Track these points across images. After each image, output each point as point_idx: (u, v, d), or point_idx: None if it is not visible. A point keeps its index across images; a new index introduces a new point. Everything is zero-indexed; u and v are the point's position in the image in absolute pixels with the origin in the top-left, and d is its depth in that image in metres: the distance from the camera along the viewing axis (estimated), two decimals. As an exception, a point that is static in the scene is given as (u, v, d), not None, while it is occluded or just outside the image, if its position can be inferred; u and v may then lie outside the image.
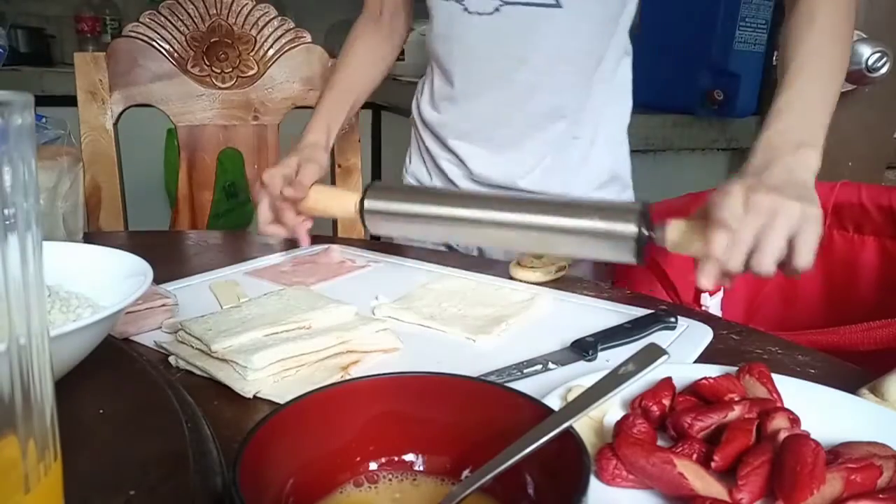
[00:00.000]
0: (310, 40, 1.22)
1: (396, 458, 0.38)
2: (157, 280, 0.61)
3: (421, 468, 0.38)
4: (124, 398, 0.44)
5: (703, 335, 0.66)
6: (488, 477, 0.33)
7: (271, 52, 1.21)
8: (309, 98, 1.21)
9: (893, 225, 0.86)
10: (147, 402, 0.43)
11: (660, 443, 0.43)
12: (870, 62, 1.36)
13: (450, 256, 0.94)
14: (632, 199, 1.02)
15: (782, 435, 0.41)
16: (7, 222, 0.20)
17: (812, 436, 0.41)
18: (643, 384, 0.46)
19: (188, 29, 1.18)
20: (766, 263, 0.59)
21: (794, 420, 0.44)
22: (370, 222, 0.79)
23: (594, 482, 0.40)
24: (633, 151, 1.04)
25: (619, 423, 0.43)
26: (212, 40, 1.19)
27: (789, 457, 0.39)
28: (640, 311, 0.69)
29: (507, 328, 0.66)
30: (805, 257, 0.59)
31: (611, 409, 0.47)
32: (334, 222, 1.25)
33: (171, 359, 0.56)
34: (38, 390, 0.22)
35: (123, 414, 0.42)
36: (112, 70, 1.14)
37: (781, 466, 0.39)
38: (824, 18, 0.73)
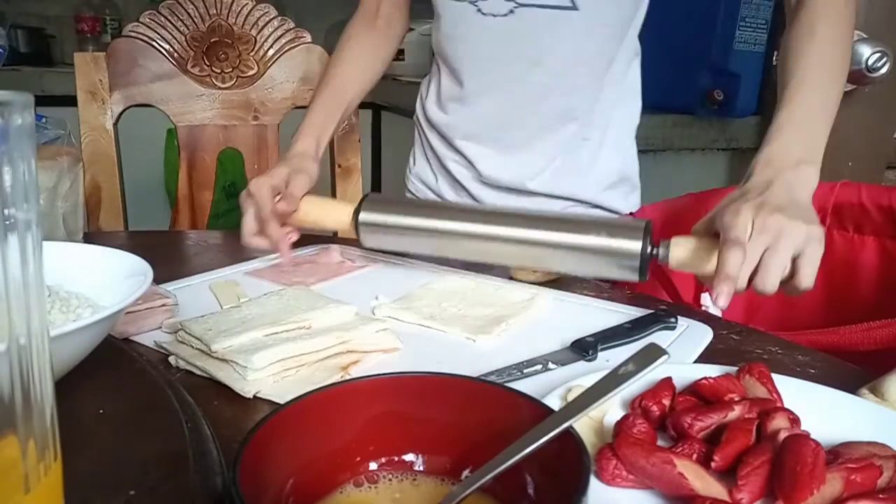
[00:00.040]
0: (310, 40, 1.22)
1: (396, 458, 0.38)
2: (157, 280, 0.61)
3: (421, 468, 0.38)
4: (124, 398, 0.44)
5: (703, 335, 0.66)
6: (488, 477, 0.33)
7: (271, 52, 1.21)
8: (309, 98, 1.21)
9: (893, 225, 0.86)
10: (147, 402, 0.43)
11: (660, 443, 0.43)
12: (870, 62, 1.36)
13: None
14: (639, 201, 1.02)
15: (782, 435, 0.41)
16: (7, 222, 0.20)
17: (812, 436, 0.41)
18: (643, 384, 0.46)
19: (188, 29, 1.18)
20: (771, 282, 0.60)
21: (794, 420, 0.44)
22: (365, 235, 0.77)
23: (594, 482, 0.40)
24: (633, 151, 1.04)
25: (619, 423, 0.43)
26: (212, 40, 1.19)
27: (789, 457, 0.39)
28: (640, 311, 0.69)
29: (507, 328, 0.66)
30: (807, 277, 0.60)
31: (611, 409, 0.47)
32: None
33: (171, 359, 0.56)
34: (38, 390, 0.22)
35: (123, 414, 0.42)
36: (112, 70, 1.14)
37: (781, 466, 0.39)
38: (825, 31, 0.74)
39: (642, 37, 0.95)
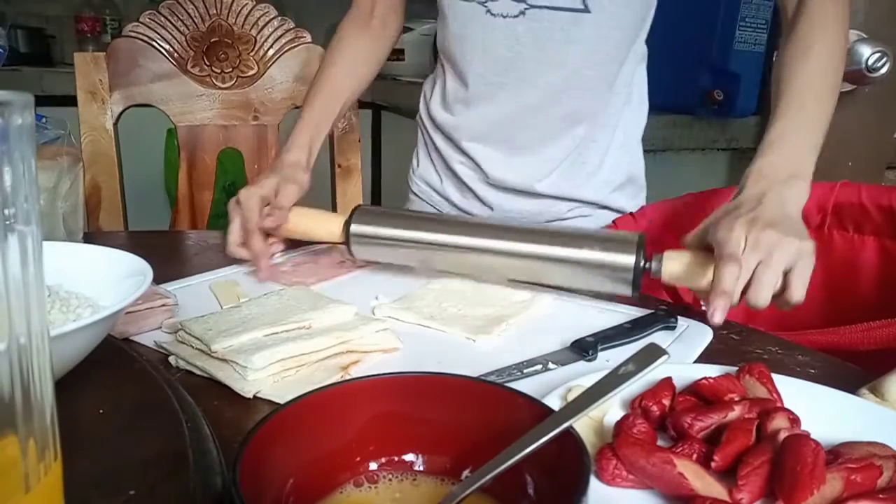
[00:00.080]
0: (310, 40, 1.22)
1: (396, 458, 0.38)
2: (157, 280, 0.61)
3: (421, 468, 0.38)
4: (124, 398, 0.44)
5: (703, 335, 0.66)
6: (488, 477, 0.33)
7: (271, 52, 1.21)
8: (309, 98, 1.21)
9: (893, 225, 0.86)
10: (147, 402, 0.43)
11: (660, 443, 0.43)
12: (870, 62, 1.36)
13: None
14: (645, 201, 1.02)
15: (782, 435, 0.41)
16: (7, 222, 0.20)
17: (812, 436, 0.41)
18: (643, 384, 0.46)
19: (188, 29, 1.18)
20: (763, 296, 0.61)
21: (794, 420, 0.44)
22: (356, 247, 0.77)
23: (594, 482, 0.40)
24: (633, 151, 1.04)
25: (619, 423, 0.43)
26: (212, 40, 1.19)
27: (789, 457, 0.39)
28: (640, 311, 0.69)
29: (507, 328, 0.66)
30: (798, 291, 0.62)
31: (611, 409, 0.47)
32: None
33: (171, 359, 0.56)
34: (38, 390, 0.22)
35: (123, 414, 0.42)
36: (112, 70, 1.14)
37: (781, 466, 0.39)
38: (821, 47, 0.76)
39: (643, 37, 0.95)
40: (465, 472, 0.37)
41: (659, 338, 0.65)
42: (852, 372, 0.60)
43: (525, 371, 0.56)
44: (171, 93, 1.18)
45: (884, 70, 1.37)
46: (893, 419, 0.46)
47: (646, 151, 1.03)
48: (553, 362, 0.58)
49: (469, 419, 0.37)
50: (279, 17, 1.21)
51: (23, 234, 0.21)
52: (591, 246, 0.68)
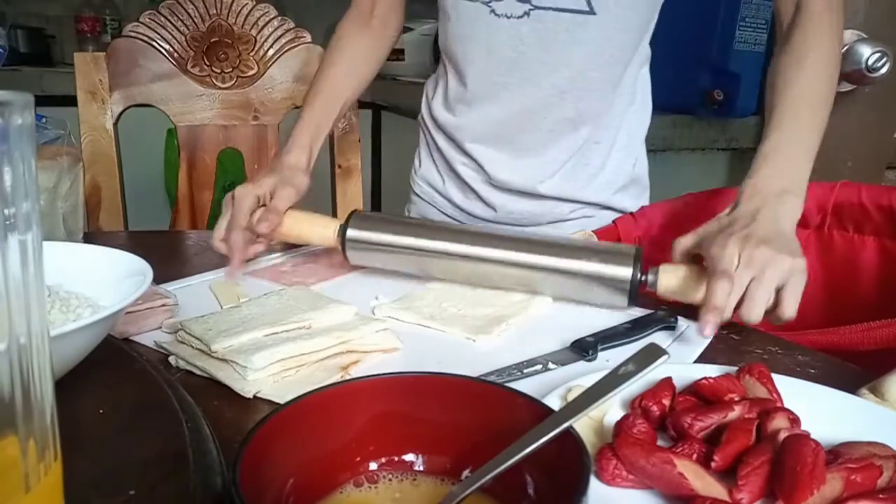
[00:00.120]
0: (310, 40, 1.22)
1: (396, 458, 0.38)
2: (157, 280, 0.61)
3: (421, 468, 0.38)
4: (124, 398, 0.44)
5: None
6: (488, 477, 0.33)
7: (271, 52, 1.21)
8: (309, 98, 1.21)
9: (893, 225, 0.86)
10: (147, 402, 0.43)
11: (660, 443, 0.43)
12: (870, 62, 1.36)
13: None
14: (648, 202, 1.02)
15: (782, 435, 0.41)
16: (7, 222, 0.20)
17: (812, 436, 0.41)
18: (643, 384, 0.46)
19: (188, 29, 1.18)
20: (756, 312, 0.62)
21: (794, 420, 0.44)
22: (351, 252, 0.76)
23: (594, 482, 0.40)
24: (633, 151, 1.03)
25: (619, 423, 0.43)
26: (212, 40, 1.19)
27: (789, 457, 0.39)
28: (640, 311, 0.69)
29: (507, 328, 0.66)
30: (790, 307, 0.63)
31: (611, 409, 0.47)
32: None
33: (171, 359, 0.56)
34: (38, 390, 0.22)
35: (123, 414, 0.42)
36: (112, 70, 1.14)
37: (781, 466, 0.39)
38: (814, 60, 0.77)
39: (643, 37, 0.95)
40: (465, 472, 0.37)
41: (659, 338, 0.65)
42: (852, 372, 0.60)
43: (525, 371, 0.56)
44: (171, 93, 1.18)
45: (884, 70, 1.37)
46: (893, 419, 0.47)
47: (646, 151, 1.03)
48: (553, 362, 0.58)
49: (469, 419, 0.37)
50: (279, 17, 1.21)
51: (23, 234, 0.21)
52: (589, 257, 0.69)
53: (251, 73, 1.21)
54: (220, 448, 0.40)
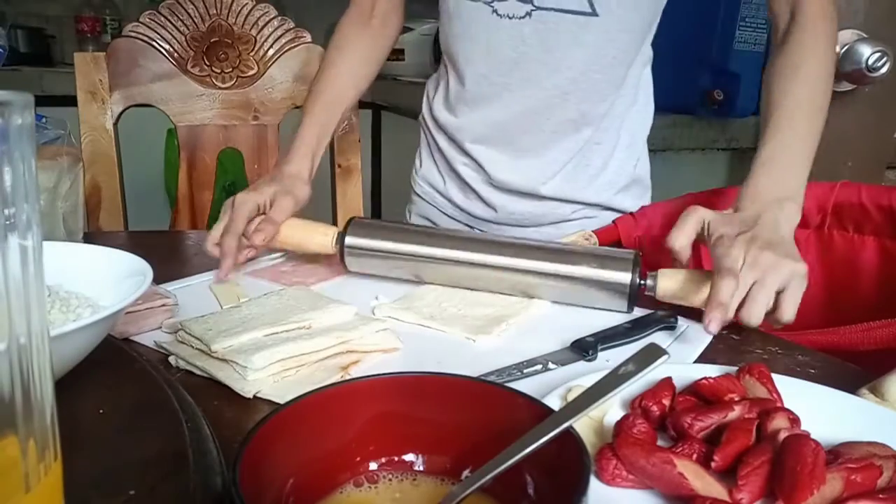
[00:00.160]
0: (310, 40, 1.22)
1: (396, 458, 0.38)
2: (157, 280, 0.61)
3: (421, 468, 0.38)
4: (124, 398, 0.44)
5: (703, 335, 0.66)
6: (488, 477, 0.33)
7: (271, 52, 1.21)
8: (309, 98, 1.21)
9: (893, 225, 0.86)
10: (147, 402, 0.43)
11: (660, 443, 0.43)
12: (870, 62, 1.36)
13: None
14: (649, 201, 1.02)
15: (782, 435, 0.41)
16: (7, 222, 0.20)
17: (812, 436, 0.41)
18: (643, 384, 0.46)
19: (188, 29, 1.18)
20: (757, 314, 0.63)
21: (794, 420, 0.44)
22: (349, 259, 0.76)
23: (594, 482, 0.40)
24: (633, 151, 1.03)
25: (619, 423, 0.43)
26: (212, 40, 1.19)
27: (789, 457, 0.39)
28: (640, 311, 0.69)
29: (507, 328, 0.66)
30: (789, 311, 0.64)
31: (611, 409, 0.47)
32: (334, 218, 1.25)
33: (171, 359, 0.56)
34: (38, 390, 0.22)
35: (123, 414, 0.42)
36: (112, 70, 1.14)
37: (781, 466, 0.39)
38: (809, 68, 0.78)
39: (643, 37, 0.95)
40: (465, 472, 0.37)
41: (659, 338, 0.65)
42: (852, 372, 0.60)
43: (525, 371, 0.56)
44: (171, 93, 1.18)
45: (884, 70, 1.37)
46: (893, 419, 0.47)
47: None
48: (553, 362, 0.58)
49: (469, 419, 0.37)
50: (279, 17, 1.21)
51: (23, 234, 0.21)
52: (588, 263, 0.69)
53: (251, 73, 1.21)
54: (220, 448, 0.40)
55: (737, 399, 0.46)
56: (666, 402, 0.47)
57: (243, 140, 1.23)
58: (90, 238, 0.91)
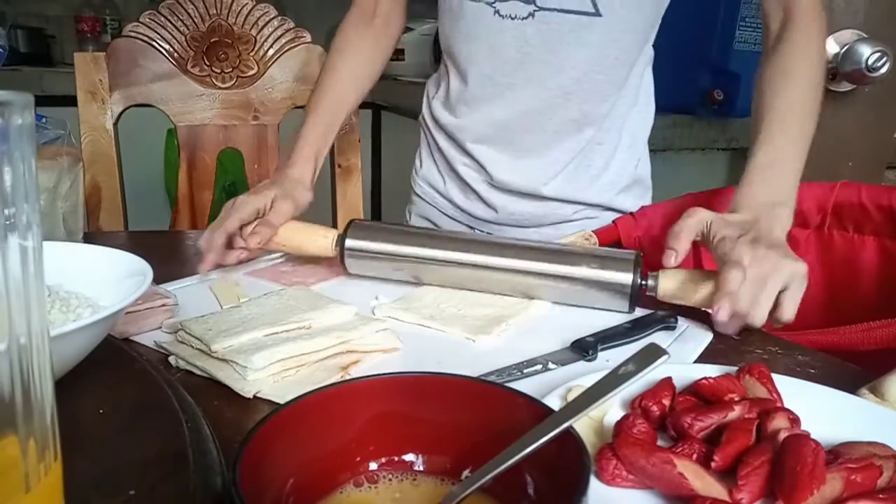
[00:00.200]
0: (310, 40, 1.22)
1: (396, 458, 0.38)
2: (157, 280, 0.61)
3: (421, 468, 0.38)
4: (124, 398, 0.44)
5: (703, 335, 0.66)
6: (488, 477, 0.33)
7: (271, 52, 1.21)
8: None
9: (893, 225, 0.86)
10: (147, 402, 0.43)
11: (660, 443, 0.43)
12: (870, 62, 1.36)
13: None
14: (650, 202, 1.02)
15: (782, 435, 0.41)
16: (7, 222, 0.20)
17: (812, 436, 0.41)
18: (643, 384, 0.46)
19: (188, 29, 1.18)
20: (761, 314, 0.64)
21: (794, 420, 0.44)
22: (350, 261, 0.76)
23: (594, 482, 0.40)
24: (633, 151, 1.03)
25: (619, 423, 0.43)
26: (212, 40, 1.19)
27: (789, 457, 0.39)
28: (640, 311, 0.69)
29: (507, 328, 0.66)
30: (789, 311, 0.65)
31: (611, 409, 0.47)
32: (334, 218, 1.25)
33: (171, 359, 0.56)
34: (38, 390, 0.22)
35: (123, 414, 0.42)
36: (112, 70, 1.14)
37: (781, 466, 0.39)
38: (801, 71, 0.79)
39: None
40: (465, 472, 0.37)
41: (659, 338, 0.65)
42: (852, 372, 0.60)
43: (525, 371, 0.56)
44: (171, 93, 1.18)
45: (884, 70, 1.37)
46: (893, 419, 0.47)
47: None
48: (553, 362, 0.58)
49: (469, 419, 0.37)
50: (279, 17, 1.21)
51: (23, 234, 0.21)
52: (589, 264, 0.69)
53: (251, 73, 1.21)
54: (220, 448, 0.40)
55: (737, 399, 0.46)
56: (666, 402, 0.47)
57: (243, 140, 1.23)
58: (90, 238, 0.91)
